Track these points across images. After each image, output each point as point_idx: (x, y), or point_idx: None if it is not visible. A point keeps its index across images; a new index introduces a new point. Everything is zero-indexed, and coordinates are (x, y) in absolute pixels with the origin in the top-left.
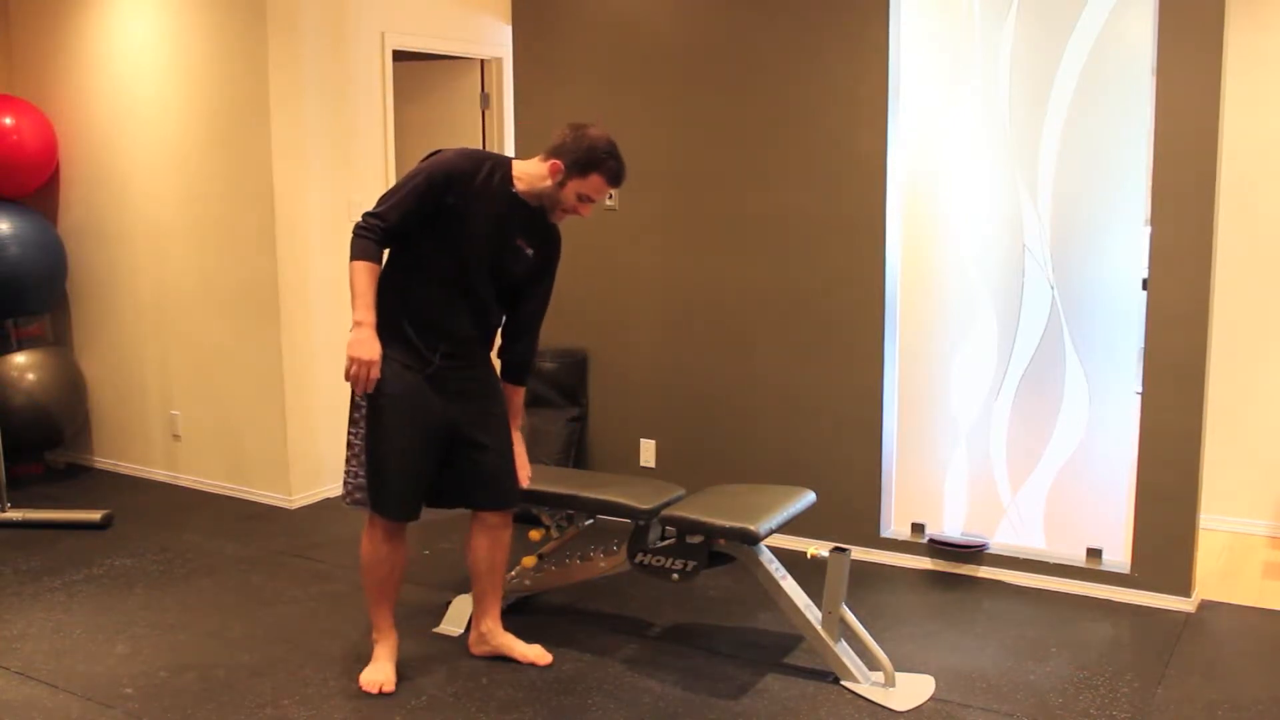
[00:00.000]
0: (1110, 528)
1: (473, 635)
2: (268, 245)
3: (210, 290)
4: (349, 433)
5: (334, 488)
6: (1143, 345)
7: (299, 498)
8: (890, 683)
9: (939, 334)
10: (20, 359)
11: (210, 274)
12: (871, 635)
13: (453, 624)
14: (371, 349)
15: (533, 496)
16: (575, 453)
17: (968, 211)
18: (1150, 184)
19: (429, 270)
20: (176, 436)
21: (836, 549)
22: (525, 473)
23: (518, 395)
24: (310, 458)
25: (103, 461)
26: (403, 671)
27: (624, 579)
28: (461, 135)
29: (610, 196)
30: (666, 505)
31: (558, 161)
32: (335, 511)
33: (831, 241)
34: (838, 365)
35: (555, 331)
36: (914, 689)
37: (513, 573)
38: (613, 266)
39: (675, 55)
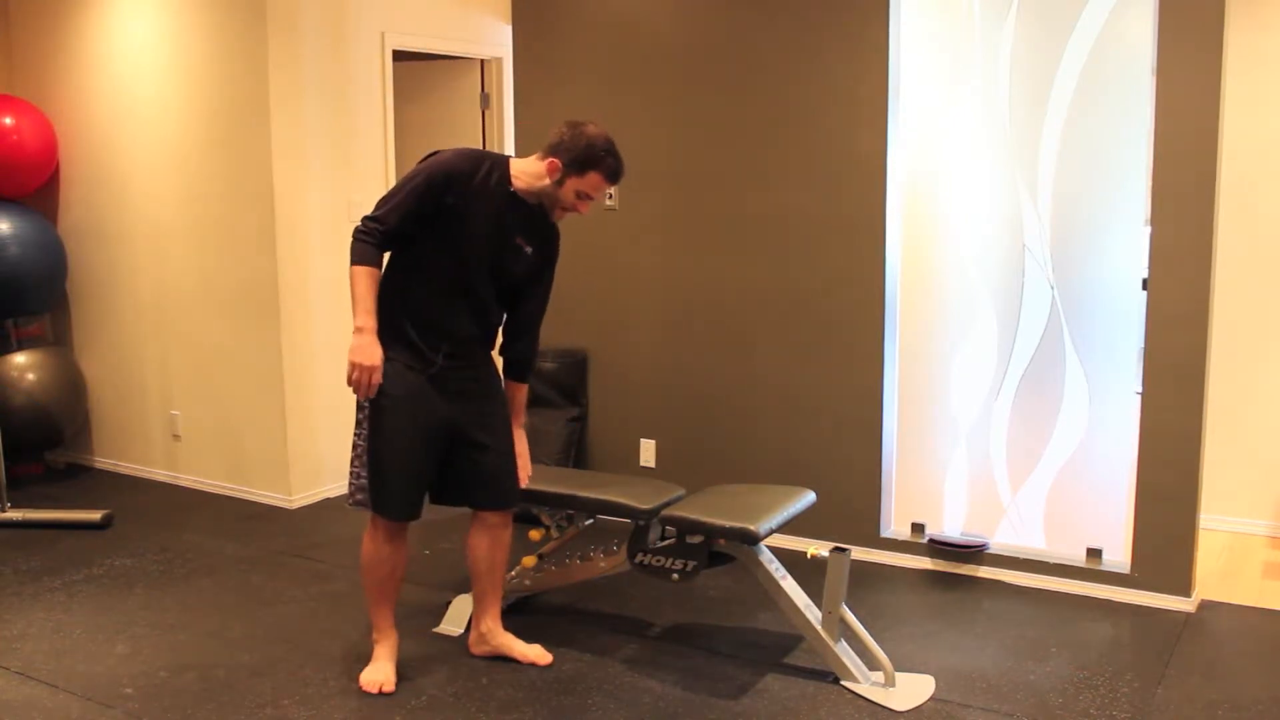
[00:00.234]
0: (1110, 528)
1: (473, 635)
2: (268, 245)
3: (210, 290)
4: (355, 434)
5: (334, 488)
6: (1143, 345)
7: (299, 498)
8: (890, 683)
9: (939, 334)
10: (20, 359)
11: (210, 274)
12: (871, 635)
13: (453, 624)
14: (372, 354)
15: (533, 496)
16: (575, 453)
17: (968, 211)
18: (1150, 184)
19: (429, 271)
20: (176, 436)
21: (836, 549)
22: (526, 471)
23: (520, 393)
24: (310, 458)
25: (103, 461)
26: (403, 671)
27: (624, 579)
28: (461, 135)
29: (610, 196)
30: (666, 505)
31: (555, 160)
32: (335, 511)
33: (831, 241)
34: (838, 365)
35: (555, 331)
36: (914, 689)
37: (513, 573)
38: (613, 266)
39: (675, 55)
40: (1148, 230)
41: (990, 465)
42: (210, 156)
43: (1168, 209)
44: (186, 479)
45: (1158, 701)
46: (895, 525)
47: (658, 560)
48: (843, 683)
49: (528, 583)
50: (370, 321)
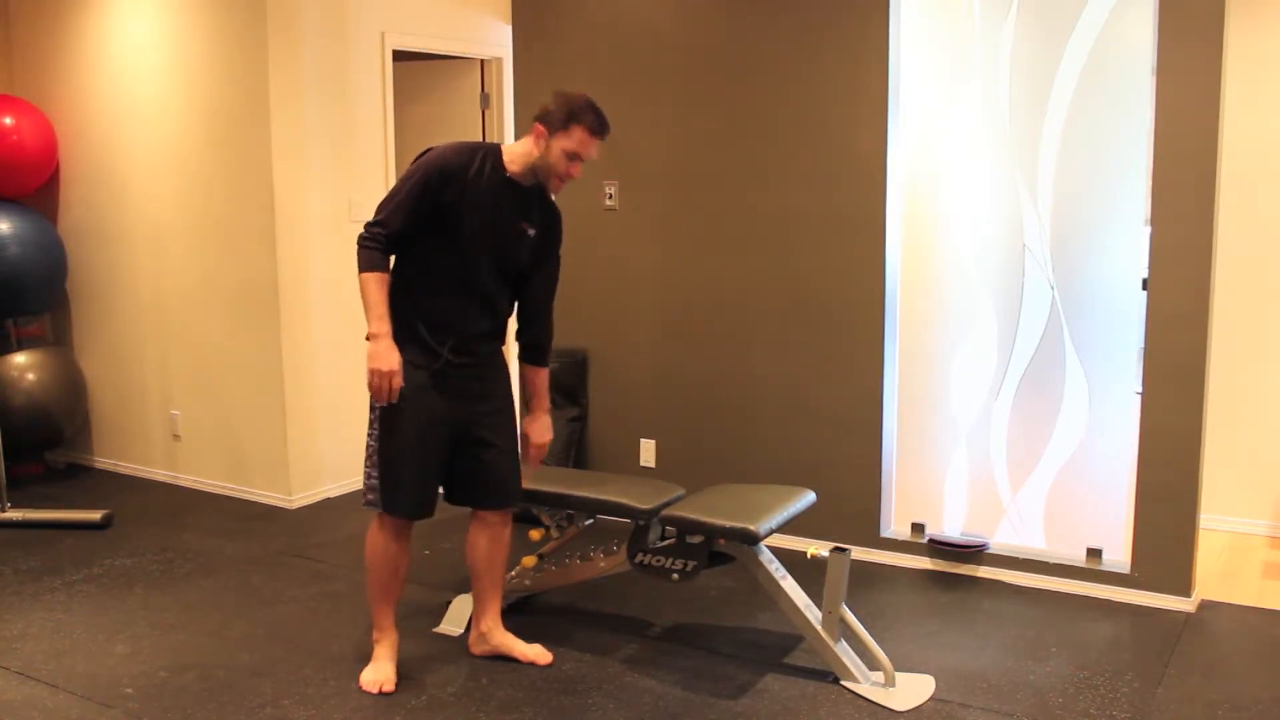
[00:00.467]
0: (1110, 528)
1: (473, 635)
2: (268, 245)
3: (210, 290)
4: (368, 435)
5: (334, 488)
6: (1143, 345)
7: (299, 498)
8: (890, 683)
9: (939, 334)
10: (20, 359)
11: (210, 274)
12: (871, 635)
13: (453, 624)
14: (390, 359)
15: (533, 496)
16: (575, 453)
17: (968, 211)
18: (1150, 184)
19: (435, 268)
20: (176, 436)
21: (836, 549)
22: (541, 455)
23: (540, 376)
24: (310, 458)
25: (103, 461)
26: (403, 671)
27: (624, 579)
28: (461, 135)
29: (610, 196)
30: (666, 505)
31: (540, 125)
32: (335, 511)
33: (831, 241)
34: (838, 365)
35: (555, 331)
36: (914, 689)
37: (513, 573)
38: (613, 266)
39: (675, 55)
40: (1148, 230)
41: (990, 465)
42: (210, 156)
43: (1168, 209)
44: (186, 479)
45: (1158, 701)
46: (895, 525)
47: (658, 560)
48: (843, 683)
49: (528, 582)
50: (385, 326)
